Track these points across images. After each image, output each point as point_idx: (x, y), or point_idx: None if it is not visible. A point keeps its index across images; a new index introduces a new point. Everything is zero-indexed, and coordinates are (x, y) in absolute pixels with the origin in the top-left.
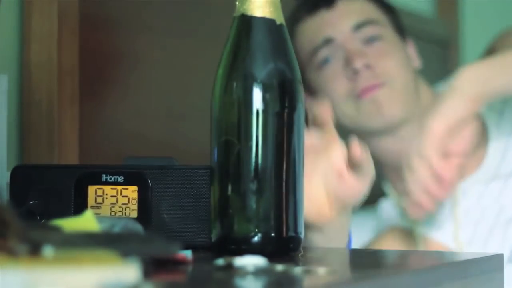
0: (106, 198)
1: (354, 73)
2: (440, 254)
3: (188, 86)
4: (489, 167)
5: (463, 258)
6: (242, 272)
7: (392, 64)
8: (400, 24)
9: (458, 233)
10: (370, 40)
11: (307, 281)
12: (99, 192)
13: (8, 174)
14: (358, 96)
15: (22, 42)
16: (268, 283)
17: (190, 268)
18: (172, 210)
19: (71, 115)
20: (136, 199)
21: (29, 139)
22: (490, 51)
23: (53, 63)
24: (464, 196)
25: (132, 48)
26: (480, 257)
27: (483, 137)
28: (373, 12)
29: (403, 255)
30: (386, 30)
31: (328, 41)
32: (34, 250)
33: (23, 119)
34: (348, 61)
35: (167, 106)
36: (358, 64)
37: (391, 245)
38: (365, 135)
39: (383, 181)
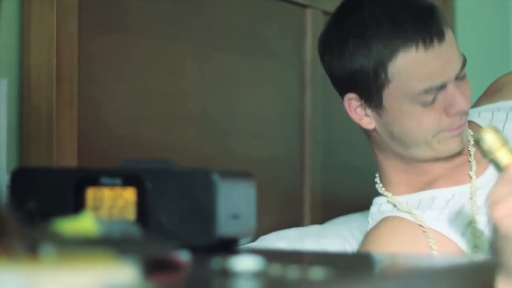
0: (105, 200)
1: (455, 114)
2: (433, 258)
3: (186, 91)
4: (494, 172)
5: (455, 262)
6: (237, 273)
7: (469, 96)
8: None
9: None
10: (462, 78)
11: (302, 284)
12: (98, 194)
13: (8, 176)
14: (449, 131)
15: (22, 47)
16: (262, 285)
17: (186, 269)
18: (170, 212)
19: (70, 119)
20: (134, 201)
21: (28, 142)
22: (493, 87)
23: (52, 67)
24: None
25: (130, 53)
26: (472, 262)
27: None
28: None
29: (396, 259)
30: None
31: (443, 86)
32: (33, 251)
33: (23, 122)
34: (454, 104)
35: (163, 110)
36: (465, 107)
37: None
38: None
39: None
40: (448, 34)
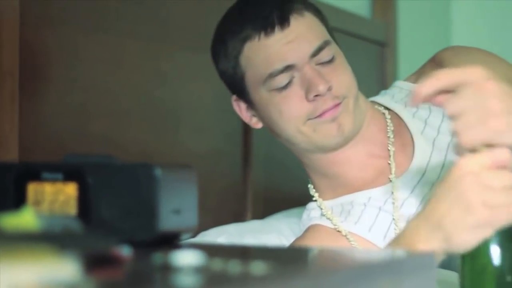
0: (46, 195)
1: (315, 97)
2: (372, 251)
3: (130, 85)
4: (416, 172)
5: (395, 255)
6: (179, 268)
7: (346, 80)
8: (332, 31)
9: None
10: (326, 63)
11: (244, 278)
12: (39, 189)
13: None
14: (318, 116)
15: None
16: (204, 280)
17: (128, 264)
18: (112, 207)
19: (11, 113)
20: (76, 197)
21: None
22: (435, 61)
23: None
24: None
25: (73, 46)
26: (412, 255)
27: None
28: (322, 30)
29: (336, 253)
30: (334, 46)
31: (288, 68)
32: None
33: None
34: (310, 87)
35: (107, 105)
36: (321, 89)
37: (314, 242)
38: (317, 151)
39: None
40: (301, 19)
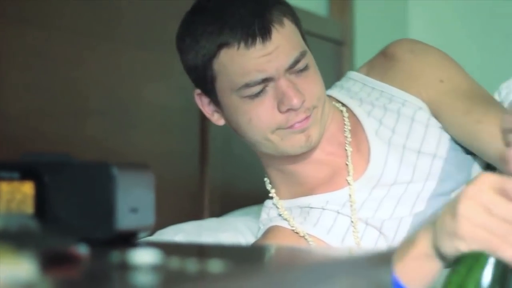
0: (2, 194)
1: (289, 110)
2: (329, 250)
3: (87, 84)
4: (372, 174)
5: (352, 253)
6: (136, 267)
7: (318, 90)
8: (304, 33)
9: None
10: (300, 72)
11: (201, 276)
12: None
13: None
14: (288, 127)
15: None
16: (161, 278)
17: (85, 263)
18: (69, 206)
19: None
20: (32, 195)
21: None
22: (386, 55)
23: None
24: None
25: (30, 46)
26: (369, 253)
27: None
28: (299, 39)
29: (294, 251)
30: (309, 54)
31: (265, 80)
32: None
33: None
34: (284, 100)
35: (64, 104)
36: (296, 103)
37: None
38: (282, 159)
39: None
40: (281, 29)
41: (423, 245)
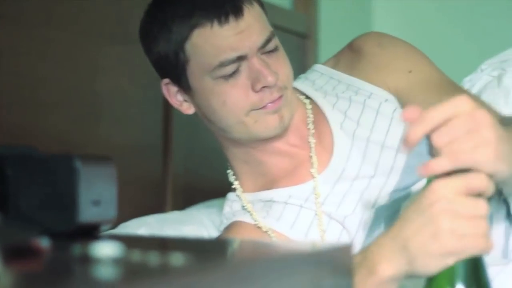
0: None
1: (262, 88)
2: (291, 243)
3: (50, 76)
4: (336, 167)
5: (314, 247)
6: (98, 260)
7: (288, 71)
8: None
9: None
10: (271, 52)
11: (162, 269)
12: None
13: None
14: (262, 108)
15: None
16: (123, 271)
17: (47, 256)
18: (31, 198)
19: None
20: None
21: None
22: (353, 48)
23: None
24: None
25: None
26: (330, 247)
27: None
28: (267, 21)
29: (257, 245)
30: (276, 38)
31: (239, 58)
32: None
33: None
34: (259, 78)
35: (28, 96)
36: (270, 81)
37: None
38: (249, 142)
39: (230, 175)
40: (251, 9)
41: (388, 271)
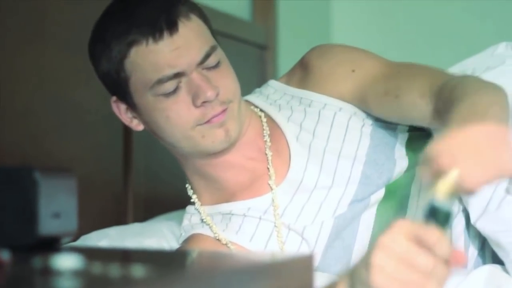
0: None
1: (203, 103)
2: (251, 255)
3: (8, 87)
4: (293, 179)
5: (274, 258)
6: (58, 272)
7: (231, 85)
8: (215, 33)
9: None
10: (212, 67)
11: (123, 281)
12: None
13: None
14: (207, 122)
15: None
16: (83, 283)
17: (7, 268)
18: None
19: None
20: None
21: None
22: (302, 64)
23: None
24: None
25: None
26: (291, 258)
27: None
28: (208, 34)
29: (217, 256)
30: (219, 50)
31: (177, 75)
32: None
33: None
34: (198, 93)
35: None
36: (210, 96)
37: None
38: (199, 156)
39: (190, 190)
40: (188, 23)
41: None
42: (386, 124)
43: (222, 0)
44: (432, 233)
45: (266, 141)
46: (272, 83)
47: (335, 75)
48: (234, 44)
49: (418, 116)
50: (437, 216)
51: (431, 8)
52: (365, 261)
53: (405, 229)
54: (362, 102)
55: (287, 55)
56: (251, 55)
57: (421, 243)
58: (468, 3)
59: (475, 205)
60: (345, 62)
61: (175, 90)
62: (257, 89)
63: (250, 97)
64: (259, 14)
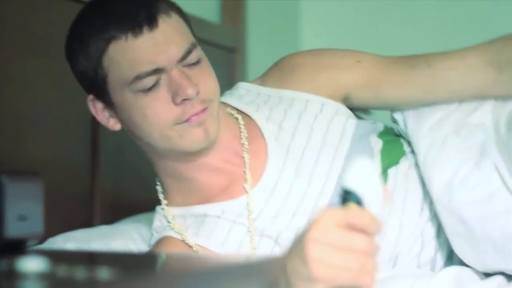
0: None
1: (183, 101)
2: (217, 257)
3: None
4: (269, 181)
5: (244, 260)
6: (24, 275)
7: (212, 84)
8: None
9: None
10: (193, 65)
11: (88, 284)
12: None
13: None
14: (186, 121)
15: None
16: (49, 286)
17: None
18: None
19: None
20: None
21: None
22: (283, 67)
23: None
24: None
25: None
26: (261, 260)
27: (264, 151)
28: (188, 32)
29: (186, 258)
30: (199, 48)
31: (156, 71)
32: None
33: None
34: (178, 90)
35: None
36: (190, 93)
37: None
38: (176, 157)
39: (160, 191)
40: (168, 19)
41: None
42: (366, 121)
43: (191, 1)
44: (361, 215)
45: (243, 144)
46: (243, 84)
47: (339, 66)
48: (203, 47)
49: (458, 81)
50: (352, 196)
51: (401, 8)
52: (300, 256)
53: (334, 217)
54: (370, 87)
55: (256, 58)
56: (220, 58)
57: (352, 226)
58: (434, 3)
59: (438, 178)
60: (346, 55)
61: (154, 86)
62: (227, 91)
63: (225, 98)
64: (228, 16)
